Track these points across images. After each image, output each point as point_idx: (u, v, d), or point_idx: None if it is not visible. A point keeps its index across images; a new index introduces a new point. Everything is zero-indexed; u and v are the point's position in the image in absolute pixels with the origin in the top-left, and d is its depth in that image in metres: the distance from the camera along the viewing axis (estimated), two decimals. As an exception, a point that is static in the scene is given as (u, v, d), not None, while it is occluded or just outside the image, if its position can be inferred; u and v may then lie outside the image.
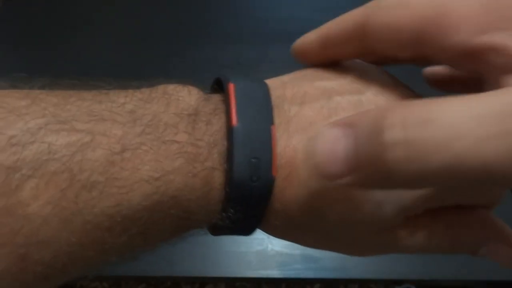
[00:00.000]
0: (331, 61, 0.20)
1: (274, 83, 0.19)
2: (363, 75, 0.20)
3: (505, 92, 0.13)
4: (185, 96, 0.18)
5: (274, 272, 0.45)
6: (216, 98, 0.18)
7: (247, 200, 0.17)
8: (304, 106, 0.18)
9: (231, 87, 0.18)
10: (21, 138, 0.14)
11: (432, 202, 0.18)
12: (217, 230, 0.18)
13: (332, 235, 0.19)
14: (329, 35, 0.19)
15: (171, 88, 0.18)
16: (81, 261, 0.15)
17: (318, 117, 0.18)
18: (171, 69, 0.55)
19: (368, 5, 0.18)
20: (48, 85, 0.17)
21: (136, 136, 0.16)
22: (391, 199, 0.17)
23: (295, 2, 0.65)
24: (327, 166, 0.14)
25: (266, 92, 0.18)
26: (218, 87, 0.19)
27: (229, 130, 0.17)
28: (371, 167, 0.13)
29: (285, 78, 0.20)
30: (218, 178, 0.17)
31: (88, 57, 0.59)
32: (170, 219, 0.16)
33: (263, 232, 0.19)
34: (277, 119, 0.18)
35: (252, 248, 0.47)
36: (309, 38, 0.20)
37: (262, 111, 0.17)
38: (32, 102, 0.15)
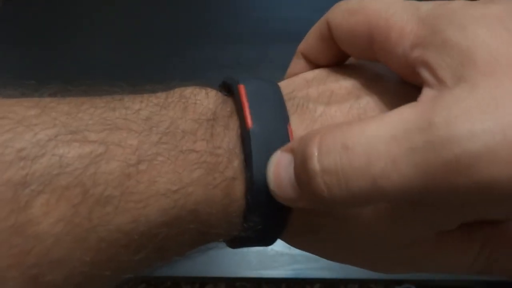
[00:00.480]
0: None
1: (296, 82, 0.18)
2: (386, 74, 0.19)
3: (412, 106, 0.13)
4: (203, 100, 0.17)
5: (274, 272, 0.45)
6: (232, 100, 0.17)
7: (268, 207, 0.16)
8: (331, 106, 0.17)
9: (242, 89, 0.17)
10: (30, 151, 0.13)
11: (466, 217, 0.16)
12: (237, 242, 0.18)
13: (356, 249, 0.18)
14: (306, 47, 0.19)
15: (188, 91, 0.17)
16: (96, 280, 0.15)
17: (346, 118, 0.17)
18: (171, 69, 0.55)
19: (331, 8, 0.18)
20: (59, 92, 0.16)
21: (153, 146, 0.15)
22: (420, 214, 0.16)
23: (295, 2, 0.65)
24: (277, 191, 0.15)
25: (276, 91, 0.17)
26: (224, 89, 0.18)
27: (245, 134, 0.16)
28: (307, 193, 0.14)
29: (308, 75, 0.19)
30: (239, 187, 0.16)
31: (88, 57, 0.59)
32: (189, 234, 0.16)
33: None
34: (300, 119, 0.17)
35: (252, 248, 0.47)
36: (299, 51, 0.19)
37: (276, 110, 0.17)
38: (41, 111, 0.14)
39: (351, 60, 0.20)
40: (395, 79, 0.18)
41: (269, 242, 0.18)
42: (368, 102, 0.17)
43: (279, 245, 0.50)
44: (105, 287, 0.15)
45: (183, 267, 0.44)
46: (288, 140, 0.16)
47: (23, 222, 0.13)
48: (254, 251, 0.46)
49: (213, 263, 0.45)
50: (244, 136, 0.16)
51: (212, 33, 0.63)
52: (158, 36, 0.62)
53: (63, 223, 0.13)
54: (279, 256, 0.46)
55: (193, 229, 0.15)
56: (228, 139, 0.16)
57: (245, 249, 0.47)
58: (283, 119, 0.16)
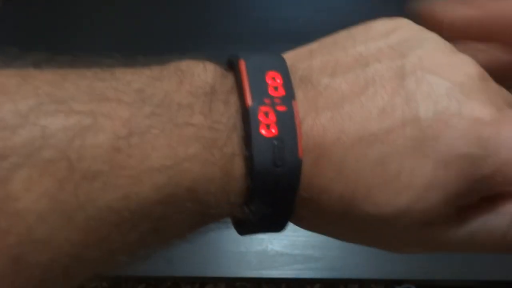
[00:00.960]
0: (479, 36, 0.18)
1: (300, 53, 0.17)
2: (409, 35, 0.18)
3: None
4: (201, 73, 0.16)
5: (274, 272, 0.45)
6: (233, 75, 0.16)
7: (272, 189, 0.15)
8: (336, 77, 0.16)
9: (242, 64, 0.16)
10: (9, 122, 0.12)
11: (490, 186, 0.16)
12: (245, 228, 0.17)
13: (368, 229, 0.17)
14: (494, 16, 0.18)
15: (185, 64, 0.16)
16: (86, 262, 0.14)
17: (353, 90, 0.16)
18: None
19: None
20: (43, 61, 0.15)
21: (145, 118, 0.14)
22: (437, 183, 0.15)
23: (295, 2, 0.65)
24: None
25: (282, 64, 0.16)
26: (230, 68, 0.17)
27: (245, 111, 0.15)
28: None
29: (314, 45, 0.18)
30: (238, 166, 0.15)
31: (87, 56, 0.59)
32: (186, 214, 0.15)
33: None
34: (303, 94, 0.16)
35: (252, 248, 0.47)
36: (463, 11, 0.18)
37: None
38: (23, 80, 0.13)
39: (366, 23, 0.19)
40: (420, 38, 0.17)
41: (278, 228, 0.17)
42: (377, 69, 0.16)
43: (279, 245, 0.50)
44: (97, 269, 0.15)
45: (183, 267, 0.44)
46: (293, 117, 0.15)
47: (2, 197, 0.12)
48: (254, 251, 0.46)
49: (213, 263, 0.45)
50: (244, 113, 0.15)
51: (212, 33, 0.63)
52: (158, 36, 0.62)
53: (47, 199, 0.12)
54: (279, 256, 0.46)
55: (190, 208, 0.15)
56: (228, 114, 0.15)
57: (245, 249, 0.47)
58: (288, 94, 0.16)
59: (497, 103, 0.17)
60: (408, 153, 0.16)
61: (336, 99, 0.16)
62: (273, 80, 0.16)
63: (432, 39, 0.18)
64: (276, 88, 0.16)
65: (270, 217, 0.16)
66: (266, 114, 0.15)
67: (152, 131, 0.14)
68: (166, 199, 0.14)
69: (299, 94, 0.16)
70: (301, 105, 0.16)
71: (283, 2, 0.66)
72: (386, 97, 0.16)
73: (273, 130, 0.15)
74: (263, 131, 0.15)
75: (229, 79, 0.16)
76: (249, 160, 0.15)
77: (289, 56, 0.17)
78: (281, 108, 0.15)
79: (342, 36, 0.18)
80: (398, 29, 0.18)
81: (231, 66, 0.17)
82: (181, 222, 0.15)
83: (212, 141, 0.15)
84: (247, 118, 0.15)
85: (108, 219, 0.13)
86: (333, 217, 0.16)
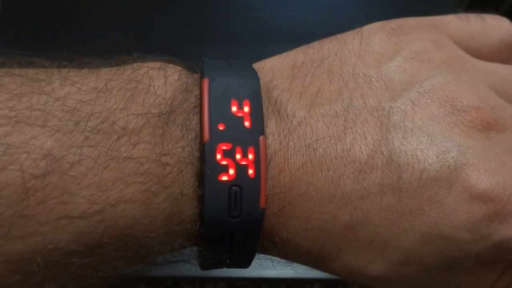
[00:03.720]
0: None
1: (281, 67, 0.15)
2: (409, 67, 0.14)
3: None
4: (159, 86, 0.13)
5: (274, 272, 0.45)
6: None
7: (227, 238, 0.13)
8: (313, 111, 0.14)
9: (205, 85, 0.13)
10: None
11: (477, 261, 0.14)
12: (204, 263, 0.14)
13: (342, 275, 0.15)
14: None
15: (143, 71, 0.13)
16: None
17: (329, 132, 0.13)
18: (171, 69, 0.55)
19: None
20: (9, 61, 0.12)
21: (73, 149, 0.11)
22: (414, 259, 0.14)
23: (296, 2, 0.65)
24: None
25: (254, 87, 0.13)
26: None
27: (201, 147, 0.13)
28: None
29: (299, 57, 0.15)
30: (188, 207, 0.13)
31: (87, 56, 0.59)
32: (117, 262, 0.12)
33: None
34: (275, 125, 0.13)
35: (252, 248, 0.46)
36: None
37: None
38: None
39: (365, 33, 0.15)
40: (428, 66, 0.14)
41: (239, 267, 0.14)
42: (359, 109, 0.14)
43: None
44: None
45: (183, 267, 0.44)
46: (258, 158, 0.13)
47: None
48: (254, 251, 0.46)
49: (213, 263, 0.45)
50: (200, 149, 0.13)
51: (212, 33, 0.63)
52: (158, 36, 0.62)
53: None
54: (279, 256, 0.46)
55: (122, 257, 0.12)
56: (184, 143, 0.13)
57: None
58: (255, 127, 0.13)
59: (502, 170, 0.13)
60: (382, 223, 0.13)
61: (310, 141, 0.13)
62: (239, 108, 0.13)
63: (440, 74, 0.14)
64: (241, 120, 0.13)
65: (227, 261, 0.14)
66: (226, 153, 0.13)
67: (79, 167, 0.11)
68: (91, 250, 0.12)
69: (271, 123, 0.14)
70: (270, 139, 0.13)
71: (283, 2, 0.65)
72: (365, 152, 0.13)
73: (231, 172, 0.12)
74: (219, 175, 0.12)
75: (194, 95, 0.14)
76: (201, 204, 0.13)
77: (267, 69, 0.15)
78: (244, 146, 0.13)
79: (330, 50, 0.15)
80: (397, 55, 0.15)
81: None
82: (110, 269, 0.13)
83: (157, 178, 0.12)
84: (202, 155, 0.13)
85: (9, 272, 0.11)
86: (302, 262, 0.15)
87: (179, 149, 0.13)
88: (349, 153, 0.13)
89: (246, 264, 0.14)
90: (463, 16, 0.17)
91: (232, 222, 0.13)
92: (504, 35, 0.17)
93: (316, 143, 0.13)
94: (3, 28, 0.62)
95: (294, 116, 0.14)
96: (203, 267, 0.15)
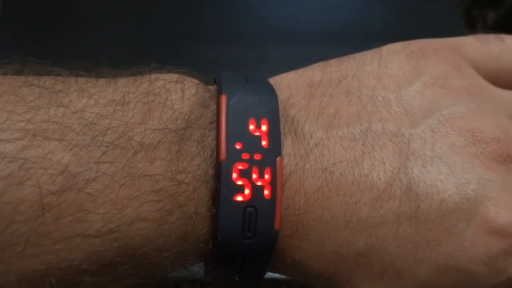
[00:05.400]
0: None
1: (298, 84, 0.14)
2: (429, 93, 0.14)
3: None
4: (176, 100, 0.13)
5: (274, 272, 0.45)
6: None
7: (239, 259, 0.13)
8: (331, 133, 0.13)
9: (223, 102, 0.13)
10: None
11: None
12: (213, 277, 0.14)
13: None
14: None
15: (160, 85, 0.14)
16: None
17: (346, 156, 0.13)
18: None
19: None
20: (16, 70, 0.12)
21: (91, 165, 0.11)
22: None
23: (296, 2, 0.65)
24: None
25: (272, 105, 0.13)
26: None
27: (217, 165, 0.12)
28: None
29: (316, 75, 0.15)
30: (202, 226, 0.13)
31: (87, 57, 0.59)
32: (128, 280, 0.12)
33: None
34: (292, 145, 0.13)
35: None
36: None
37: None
38: None
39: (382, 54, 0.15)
40: (451, 92, 0.14)
41: (248, 284, 0.14)
42: (378, 134, 0.13)
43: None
44: None
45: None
46: (275, 180, 0.12)
47: None
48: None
49: (213, 263, 0.45)
50: (216, 167, 0.13)
51: (212, 33, 0.63)
52: (158, 36, 0.62)
53: None
54: (279, 256, 0.46)
55: (134, 275, 0.12)
56: (199, 160, 0.13)
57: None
58: (273, 148, 0.13)
59: None
60: (397, 252, 0.13)
61: (326, 163, 0.13)
62: (256, 127, 0.13)
63: (461, 102, 0.14)
64: (259, 139, 0.13)
65: (237, 279, 0.14)
66: (242, 172, 0.12)
67: (95, 184, 0.11)
68: (103, 269, 0.12)
69: (287, 143, 0.13)
70: (286, 159, 0.13)
71: (283, 2, 0.65)
72: (383, 178, 0.13)
73: (247, 192, 0.12)
74: (234, 195, 0.12)
75: (210, 110, 0.13)
76: (214, 224, 0.13)
77: (284, 86, 0.15)
78: (260, 166, 0.12)
79: (349, 70, 0.15)
80: (417, 79, 0.14)
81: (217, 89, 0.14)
82: (120, 287, 0.13)
83: (172, 196, 0.12)
84: (218, 174, 0.12)
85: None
86: (312, 283, 0.15)
87: (194, 167, 0.13)
88: (366, 178, 0.13)
89: (254, 282, 0.14)
90: (482, 37, 0.16)
91: (245, 243, 0.12)
92: None
93: (333, 166, 0.13)
94: (3, 28, 0.62)
95: (311, 137, 0.13)
96: (211, 284, 0.15)
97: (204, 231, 0.13)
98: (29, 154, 0.11)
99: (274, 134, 0.13)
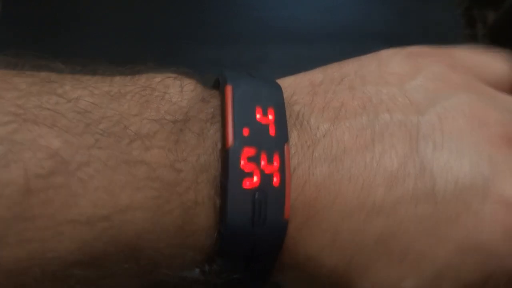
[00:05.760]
0: None
1: (300, 84, 0.15)
2: (431, 86, 0.14)
3: None
4: (175, 93, 0.13)
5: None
6: (218, 100, 0.14)
7: (246, 252, 0.12)
8: (338, 124, 0.13)
9: (228, 91, 0.13)
10: None
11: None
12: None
13: None
14: None
15: (158, 80, 0.13)
16: None
17: (356, 143, 0.13)
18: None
19: None
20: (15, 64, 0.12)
21: (82, 150, 0.11)
22: (450, 272, 0.13)
23: (296, 2, 0.65)
24: None
25: (278, 95, 0.13)
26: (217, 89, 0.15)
27: (224, 152, 0.12)
28: None
29: (317, 76, 0.15)
30: (203, 218, 0.12)
31: (87, 57, 0.59)
32: (120, 277, 0.12)
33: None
34: (298, 137, 0.13)
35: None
36: None
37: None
38: None
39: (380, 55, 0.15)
40: (454, 83, 0.14)
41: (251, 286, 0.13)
42: (387, 123, 0.13)
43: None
44: None
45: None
46: (283, 165, 0.12)
47: None
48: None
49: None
50: (222, 154, 0.12)
51: (212, 33, 0.63)
52: (158, 36, 0.62)
53: None
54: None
55: (127, 270, 0.12)
56: (199, 151, 0.12)
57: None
58: (281, 135, 0.13)
59: None
60: (417, 233, 0.13)
61: (336, 151, 0.13)
62: (263, 115, 0.12)
63: (463, 93, 0.14)
64: (266, 127, 0.12)
65: (238, 282, 0.13)
66: (250, 158, 0.12)
67: (87, 169, 0.11)
68: (93, 261, 0.11)
69: (293, 135, 0.13)
70: (293, 150, 0.13)
71: (283, 2, 0.66)
72: (396, 161, 0.13)
73: (255, 179, 0.12)
74: (242, 181, 0.12)
75: (211, 106, 0.13)
76: (221, 213, 0.12)
77: (287, 85, 0.14)
78: (269, 153, 0.12)
79: (349, 70, 0.15)
80: (419, 74, 0.15)
81: (218, 88, 0.14)
82: (112, 284, 0.12)
83: (170, 185, 0.12)
84: (225, 160, 0.12)
85: (3, 281, 0.10)
86: (323, 285, 0.14)
87: (195, 157, 0.12)
88: (379, 162, 0.13)
89: (259, 284, 0.13)
90: (475, 48, 0.17)
91: (254, 233, 0.12)
92: None
93: (344, 153, 0.13)
94: (3, 28, 0.62)
95: (318, 129, 0.13)
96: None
97: (206, 222, 0.12)
98: (18, 137, 0.10)
99: (281, 123, 0.13)
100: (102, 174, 0.11)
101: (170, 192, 0.12)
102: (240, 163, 0.12)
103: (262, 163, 0.12)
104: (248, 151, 0.12)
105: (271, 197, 0.12)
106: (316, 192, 0.13)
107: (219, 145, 0.12)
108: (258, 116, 0.13)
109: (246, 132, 0.12)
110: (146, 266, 0.12)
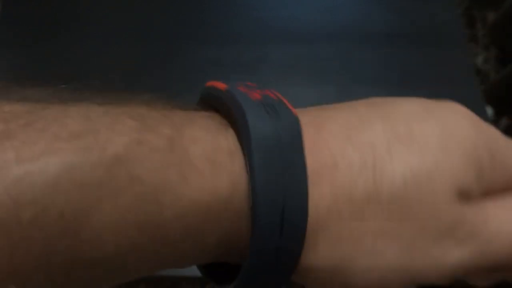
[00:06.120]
0: None
1: (332, 128, 0.14)
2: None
3: None
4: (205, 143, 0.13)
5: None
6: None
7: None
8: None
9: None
10: None
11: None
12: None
13: None
14: None
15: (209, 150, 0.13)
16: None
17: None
18: (171, 69, 0.55)
19: None
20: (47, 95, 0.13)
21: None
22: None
23: (296, 2, 0.65)
24: None
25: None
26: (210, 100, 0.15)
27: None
28: None
29: (354, 120, 0.14)
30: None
31: (87, 57, 0.59)
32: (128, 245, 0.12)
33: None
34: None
35: (252, 248, 0.46)
36: None
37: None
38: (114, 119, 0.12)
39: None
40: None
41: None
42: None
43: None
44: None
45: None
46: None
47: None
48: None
49: (213, 263, 0.45)
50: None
51: (212, 33, 0.63)
52: (158, 36, 0.62)
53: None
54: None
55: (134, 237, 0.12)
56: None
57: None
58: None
59: None
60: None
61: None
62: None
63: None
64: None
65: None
66: None
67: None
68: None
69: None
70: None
71: (283, 2, 0.65)
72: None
73: None
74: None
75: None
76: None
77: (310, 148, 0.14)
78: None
79: (408, 110, 0.15)
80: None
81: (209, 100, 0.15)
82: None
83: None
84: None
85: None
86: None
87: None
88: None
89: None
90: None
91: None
92: None
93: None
94: (3, 28, 0.62)
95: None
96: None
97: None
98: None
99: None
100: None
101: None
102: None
103: None
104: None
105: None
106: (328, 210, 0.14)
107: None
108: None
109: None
110: (156, 230, 0.12)
